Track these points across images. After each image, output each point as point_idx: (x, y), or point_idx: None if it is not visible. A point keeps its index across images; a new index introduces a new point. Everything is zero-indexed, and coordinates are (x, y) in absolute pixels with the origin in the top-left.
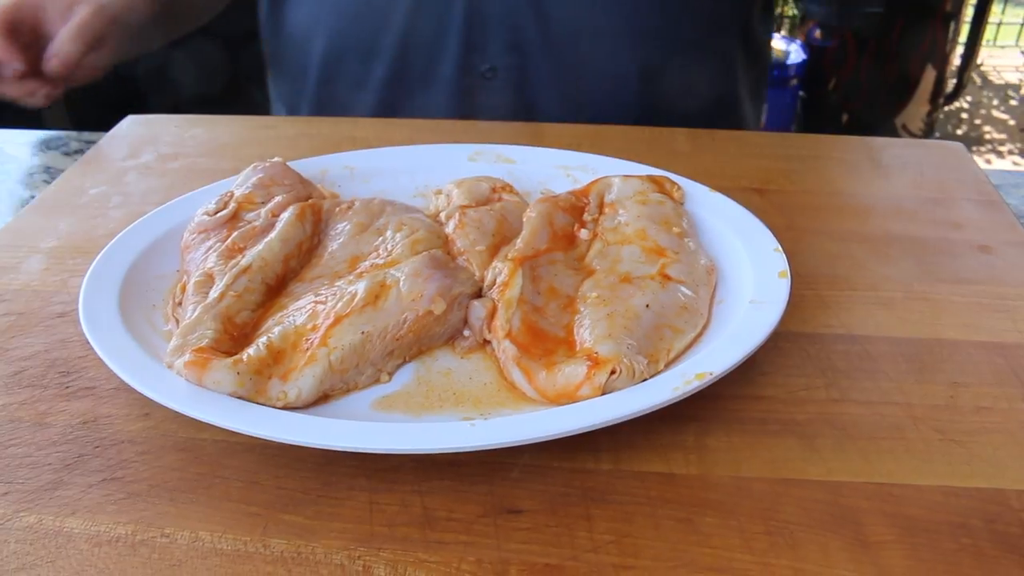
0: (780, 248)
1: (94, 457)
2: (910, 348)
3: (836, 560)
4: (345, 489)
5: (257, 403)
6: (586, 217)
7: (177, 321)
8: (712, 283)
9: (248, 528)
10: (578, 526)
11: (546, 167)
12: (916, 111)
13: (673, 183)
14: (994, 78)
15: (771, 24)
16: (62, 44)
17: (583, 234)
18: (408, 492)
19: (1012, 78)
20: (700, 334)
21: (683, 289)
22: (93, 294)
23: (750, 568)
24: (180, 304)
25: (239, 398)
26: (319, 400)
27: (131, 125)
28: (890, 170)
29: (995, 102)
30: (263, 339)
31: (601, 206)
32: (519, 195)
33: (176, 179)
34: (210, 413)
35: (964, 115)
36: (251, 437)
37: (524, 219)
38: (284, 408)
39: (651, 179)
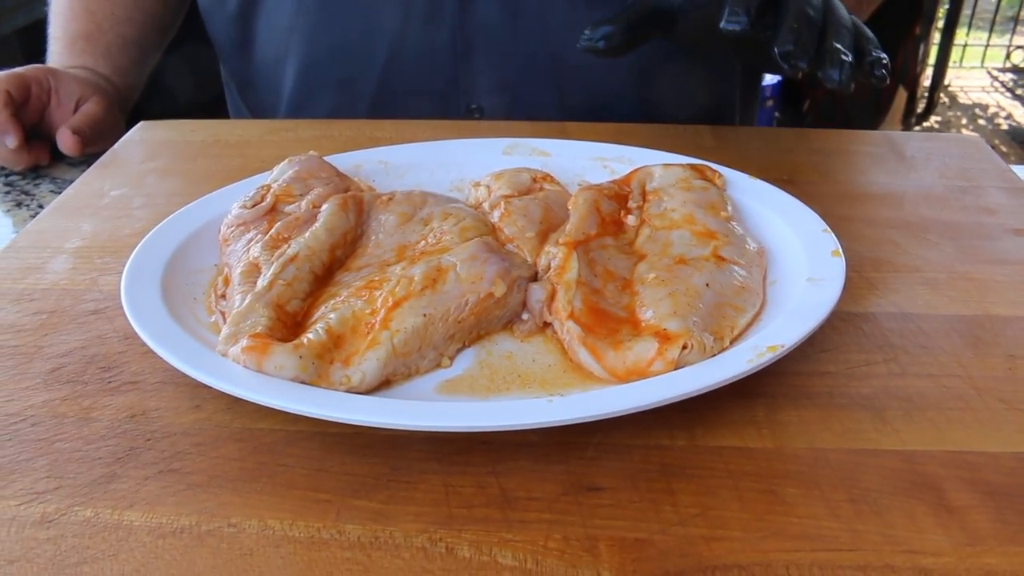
0: (829, 229)
1: (146, 450)
2: (962, 324)
3: (923, 525)
4: (417, 473)
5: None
6: (631, 204)
7: (222, 314)
8: (763, 265)
9: (319, 515)
10: (662, 501)
11: (581, 159)
12: (888, 130)
13: (714, 171)
14: (962, 98)
15: None
16: (67, 140)
17: (630, 220)
18: (483, 474)
19: (978, 98)
20: (759, 313)
21: (737, 270)
22: (134, 288)
23: (839, 535)
24: (223, 296)
25: (300, 383)
26: (381, 386)
27: (144, 130)
28: (915, 161)
29: (964, 120)
30: (320, 324)
31: (644, 194)
32: (560, 185)
33: (199, 179)
34: (277, 398)
35: None
36: (311, 425)
37: (570, 206)
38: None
39: (692, 167)
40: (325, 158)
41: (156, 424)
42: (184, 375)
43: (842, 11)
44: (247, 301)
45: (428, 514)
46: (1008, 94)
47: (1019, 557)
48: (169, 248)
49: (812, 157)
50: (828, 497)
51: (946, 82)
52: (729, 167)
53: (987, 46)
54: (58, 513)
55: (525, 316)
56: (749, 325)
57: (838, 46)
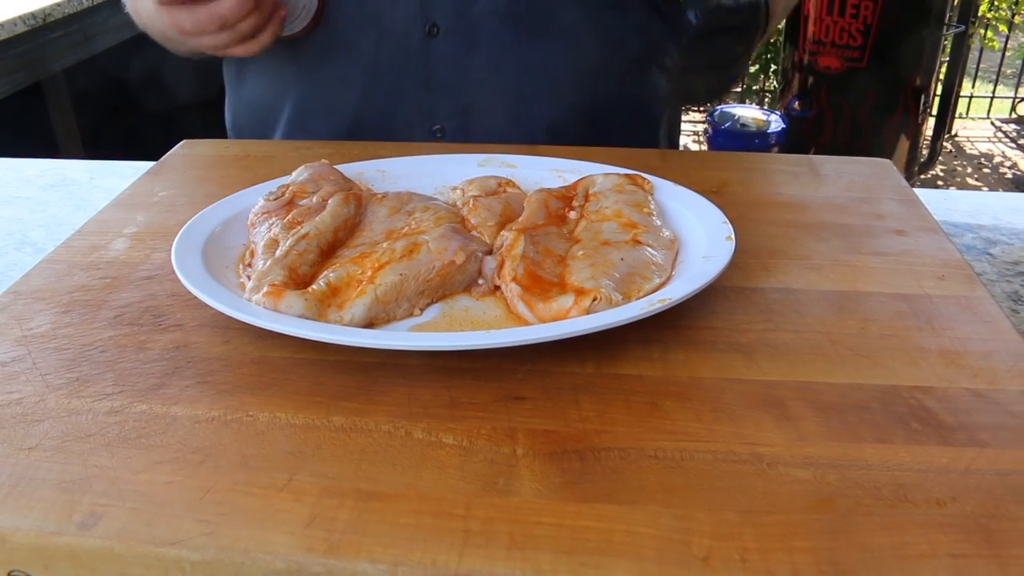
0: (728, 221)
1: (188, 369)
2: (833, 297)
3: (766, 428)
4: (389, 386)
5: None
6: (574, 203)
7: (248, 277)
8: (674, 249)
9: (315, 410)
10: (569, 407)
11: (541, 170)
12: None
13: (644, 179)
14: (968, 148)
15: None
16: None
17: (572, 215)
18: (438, 388)
19: (984, 148)
20: (664, 282)
21: (650, 250)
22: (181, 255)
23: (699, 432)
24: (249, 265)
25: (305, 319)
26: (366, 327)
27: (186, 146)
28: (827, 178)
29: (969, 170)
30: (322, 279)
31: (586, 196)
32: (520, 189)
33: (231, 184)
34: (288, 326)
35: (940, 183)
36: (313, 354)
37: (524, 203)
38: None
39: (627, 176)
40: (334, 166)
41: (195, 352)
42: (218, 318)
43: None
44: (268, 264)
45: (395, 411)
46: (1012, 144)
47: (832, 449)
48: (208, 229)
49: (739, 174)
50: (696, 408)
51: (953, 132)
52: (664, 179)
53: (993, 97)
54: (122, 407)
55: (481, 282)
56: (654, 290)
57: None
